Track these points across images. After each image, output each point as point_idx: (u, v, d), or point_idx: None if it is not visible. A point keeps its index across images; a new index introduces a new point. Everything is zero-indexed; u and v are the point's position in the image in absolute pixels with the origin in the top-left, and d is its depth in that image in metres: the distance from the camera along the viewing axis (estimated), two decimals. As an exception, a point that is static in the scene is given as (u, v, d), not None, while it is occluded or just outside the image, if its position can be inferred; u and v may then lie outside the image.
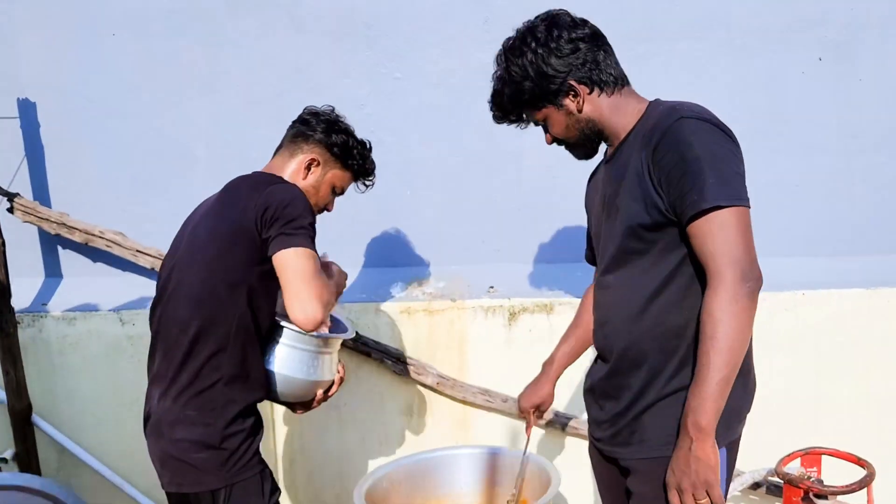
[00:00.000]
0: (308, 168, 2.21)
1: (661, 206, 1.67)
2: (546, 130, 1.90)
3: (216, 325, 1.98)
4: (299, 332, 2.07)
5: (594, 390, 1.95)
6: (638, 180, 1.70)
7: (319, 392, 2.20)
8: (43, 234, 3.21)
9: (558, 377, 2.26)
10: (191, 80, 3.11)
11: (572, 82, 1.77)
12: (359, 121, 2.99)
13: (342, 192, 2.34)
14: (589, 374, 2.01)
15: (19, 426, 3.06)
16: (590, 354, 2.28)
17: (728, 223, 1.60)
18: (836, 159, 3.07)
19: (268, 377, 2.09)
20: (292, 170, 2.20)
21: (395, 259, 3.20)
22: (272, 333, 2.10)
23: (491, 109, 1.91)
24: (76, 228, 3.12)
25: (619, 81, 1.81)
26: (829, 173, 3.08)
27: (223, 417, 1.99)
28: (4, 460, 3.03)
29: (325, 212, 2.32)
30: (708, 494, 1.63)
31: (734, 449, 1.81)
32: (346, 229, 3.11)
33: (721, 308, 1.57)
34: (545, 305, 2.99)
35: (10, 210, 3.11)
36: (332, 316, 2.36)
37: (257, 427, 2.08)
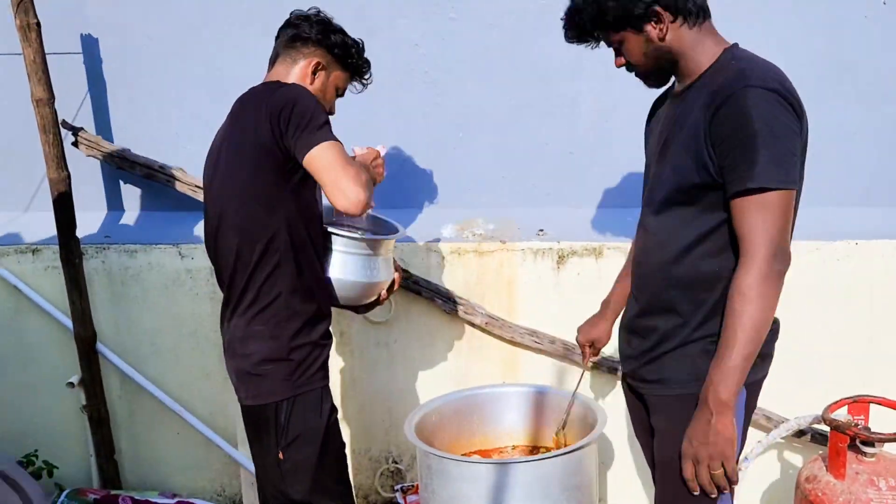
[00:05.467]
0: (314, 73, 2.20)
1: (710, 169, 1.68)
2: (618, 54, 1.85)
3: (267, 246, 2.04)
4: (350, 239, 2.17)
5: (627, 326, 2.01)
6: (694, 135, 1.71)
7: (384, 293, 2.31)
8: (105, 168, 3.29)
9: (616, 317, 2.24)
10: (250, 19, 3.11)
11: (657, 8, 1.73)
12: (413, 61, 2.99)
13: (343, 94, 2.34)
14: (625, 311, 2.07)
15: (84, 353, 3.17)
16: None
17: (771, 205, 1.62)
18: (896, 108, 3.01)
19: (329, 284, 2.18)
20: (297, 76, 2.19)
21: (446, 200, 3.23)
22: (327, 243, 2.17)
23: (564, 27, 1.87)
24: (137, 163, 3.18)
25: (702, 14, 1.78)
26: (890, 121, 3.01)
27: (288, 329, 2.08)
28: (71, 384, 3.17)
29: (329, 115, 2.28)
30: (723, 466, 1.68)
31: (755, 391, 1.85)
32: (398, 169, 3.15)
33: (751, 285, 1.61)
34: (594, 249, 3.00)
35: (75, 144, 3.20)
36: (379, 217, 2.46)
37: (325, 338, 2.16)
